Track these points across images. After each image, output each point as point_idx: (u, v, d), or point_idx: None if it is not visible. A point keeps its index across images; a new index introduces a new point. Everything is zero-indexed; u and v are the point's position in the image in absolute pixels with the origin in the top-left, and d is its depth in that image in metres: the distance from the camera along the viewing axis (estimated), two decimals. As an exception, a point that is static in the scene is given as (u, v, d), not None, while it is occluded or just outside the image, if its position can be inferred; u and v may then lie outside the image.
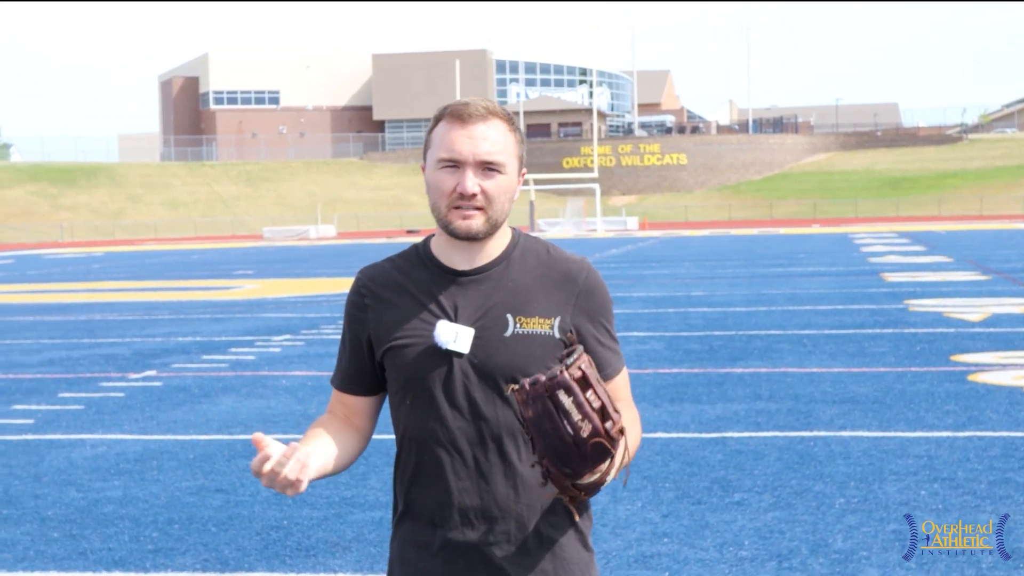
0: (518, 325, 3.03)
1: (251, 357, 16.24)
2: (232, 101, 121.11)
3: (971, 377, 12.85)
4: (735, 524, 7.50)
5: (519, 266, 3.10)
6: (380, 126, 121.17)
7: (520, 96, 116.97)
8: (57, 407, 12.62)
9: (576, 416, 2.77)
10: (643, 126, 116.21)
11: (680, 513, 7.81)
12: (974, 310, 19.62)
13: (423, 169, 3.14)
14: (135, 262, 49.51)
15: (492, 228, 3.04)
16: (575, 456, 2.80)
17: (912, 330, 17.17)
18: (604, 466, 2.83)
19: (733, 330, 17.86)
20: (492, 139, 3.02)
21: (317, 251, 57.32)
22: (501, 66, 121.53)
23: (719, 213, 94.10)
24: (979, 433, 9.98)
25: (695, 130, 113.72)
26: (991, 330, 16.95)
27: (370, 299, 3.13)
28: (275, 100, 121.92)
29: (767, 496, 8.14)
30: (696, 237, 61.97)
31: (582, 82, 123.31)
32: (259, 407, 12.28)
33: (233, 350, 17.00)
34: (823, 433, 10.18)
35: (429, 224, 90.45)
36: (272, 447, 2.84)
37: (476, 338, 3.02)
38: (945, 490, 8.13)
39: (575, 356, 2.82)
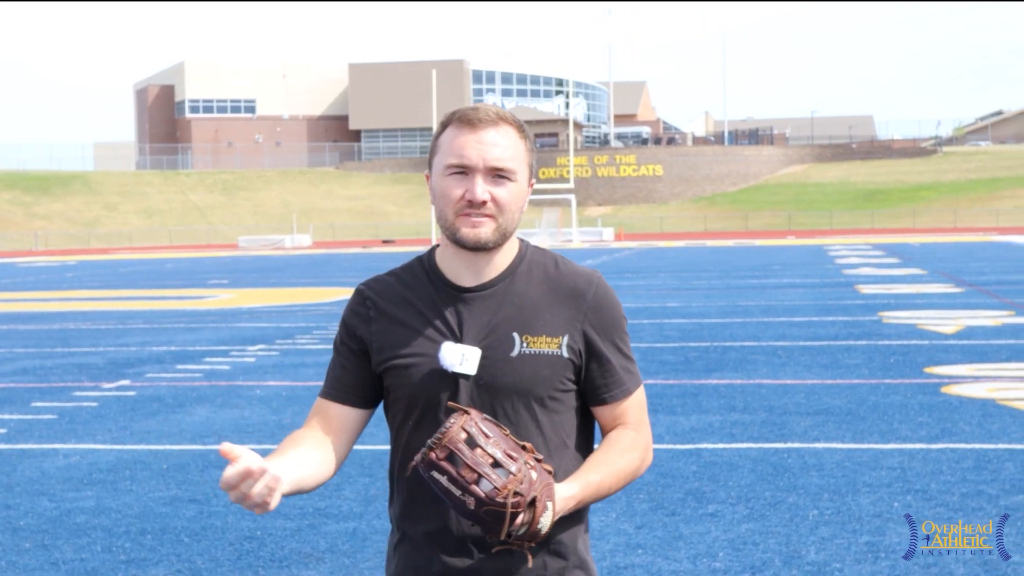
0: (525, 344, 2.92)
1: (225, 367, 16.19)
2: (208, 110, 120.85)
3: (944, 389, 12.89)
4: (709, 535, 7.51)
5: (525, 280, 2.98)
6: (356, 135, 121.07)
7: (496, 106, 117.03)
8: (30, 416, 12.56)
9: (457, 493, 2.71)
10: (619, 137, 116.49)
11: (654, 524, 7.81)
12: (948, 322, 19.69)
13: (427, 178, 3.03)
14: (109, 271, 49.34)
15: (501, 238, 2.93)
16: (481, 523, 2.74)
17: (886, 342, 17.22)
18: (523, 519, 2.74)
19: (708, 341, 17.89)
20: (503, 145, 2.91)
21: (292, 260, 57.23)
22: (478, 76, 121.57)
23: (694, 224, 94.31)
24: (952, 445, 10.01)
25: (671, 141, 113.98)
26: (965, 342, 17.01)
27: (374, 312, 3.01)
28: (251, 109, 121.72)
29: (741, 507, 8.15)
30: (672, 248, 62.08)
31: (558, 93, 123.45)
32: (233, 417, 12.25)
33: (207, 360, 16.95)
34: (797, 445, 10.20)
35: (404, 234, 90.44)
36: (244, 459, 2.65)
37: (483, 358, 2.91)
38: (918, 502, 8.15)
39: (443, 429, 2.72)
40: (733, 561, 6.99)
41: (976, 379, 13.58)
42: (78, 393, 14.12)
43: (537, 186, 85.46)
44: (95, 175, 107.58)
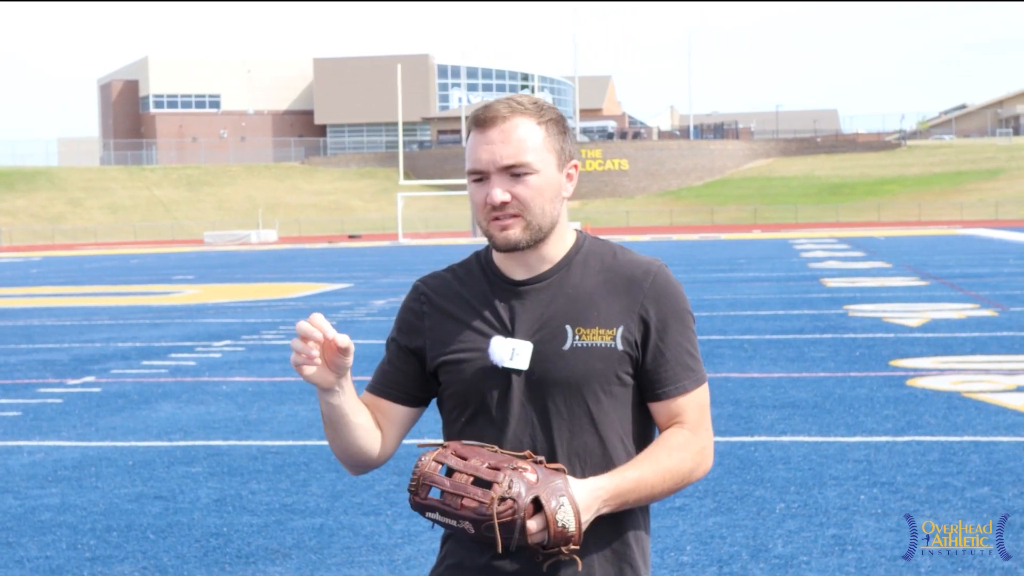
0: (577, 337, 2.83)
1: (191, 363, 16.13)
2: (172, 105, 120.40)
3: (910, 382, 12.94)
4: (676, 529, 7.51)
5: (580, 271, 2.88)
6: (322, 130, 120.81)
7: (462, 101, 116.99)
8: (-6, 413, 12.48)
9: (453, 523, 2.66)
10: (585, 131, 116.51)
11: (621, 518, 7.79)
12: (913, 315, 19.78)
13: None
14: (74, 267, 49.10)
15: (536, 233, 2.83)
16: (493, 543, 2.66)
17: (851, 335, 17.28)
18: (536, 524, 2.64)
19: (674, 335, 17.88)
20: (514, 140, 2.80)
21: (258, 256, 57.07)
22: (443, 71, 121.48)
23: (660, 218, 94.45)
24: (917, 438, 10.05)
25: (636, 136, 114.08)
26: (930, 335, 17.09)
27: (428, 308, 2.94)
28: (216, 104, 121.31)
29: (708, 501, 8.16)
30: (637, 242, 62.14)
31: (523, 87, 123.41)
32: (199, 413, 12.19)
33: (173, 356, 16.88)
34: (763, 438, 10.22)
35: (370, 229, 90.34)
36: (324, 327, 2.72)
37: (534, 352, 2.82)
38: (884, 494, 8.18)
39: (414, 469, 2.68)
40: (700, 555, 7.00)
41: (941, 372, 13.63)
42: (42, 390, 14.04)
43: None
44: (59, 171, 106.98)
